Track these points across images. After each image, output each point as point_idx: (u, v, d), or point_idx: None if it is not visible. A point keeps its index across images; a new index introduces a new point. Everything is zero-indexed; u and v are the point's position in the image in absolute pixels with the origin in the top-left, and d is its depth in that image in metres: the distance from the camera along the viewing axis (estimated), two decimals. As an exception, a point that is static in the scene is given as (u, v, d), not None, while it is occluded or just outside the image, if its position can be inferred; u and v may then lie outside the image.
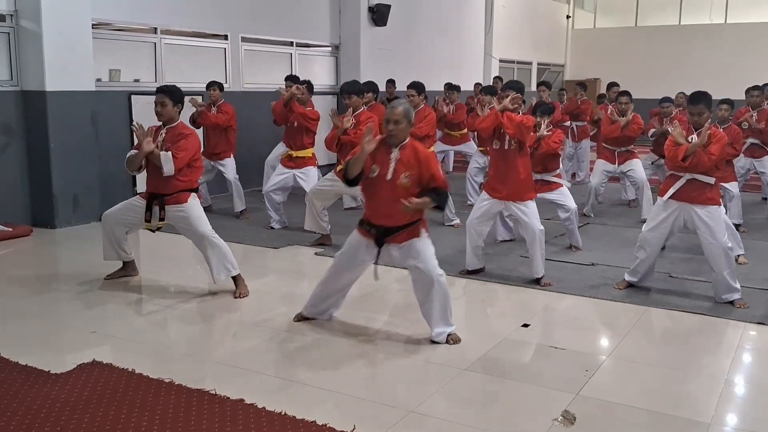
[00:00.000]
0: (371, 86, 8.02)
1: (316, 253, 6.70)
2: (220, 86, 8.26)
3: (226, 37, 10.11)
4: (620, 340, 4.59)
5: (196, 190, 5.36)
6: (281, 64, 11.10)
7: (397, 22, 13.01)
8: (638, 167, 8.17)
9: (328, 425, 3.24)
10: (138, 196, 5.44)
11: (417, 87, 7.61)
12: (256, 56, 10.65)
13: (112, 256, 5.48)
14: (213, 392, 3.59)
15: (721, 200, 5.36)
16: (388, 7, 12.58)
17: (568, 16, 22.58)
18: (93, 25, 7.88)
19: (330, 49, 12.42)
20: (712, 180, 5.14)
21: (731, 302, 5.18)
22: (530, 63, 20.26)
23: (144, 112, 8.69)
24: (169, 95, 5.17)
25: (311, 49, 11.96)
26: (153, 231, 5.34)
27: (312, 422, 3.26)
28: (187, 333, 4.71)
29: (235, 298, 5.26)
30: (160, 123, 5.25)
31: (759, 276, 5.98)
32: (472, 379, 3.94)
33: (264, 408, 3.40)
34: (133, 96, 8.66)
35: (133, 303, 5.20)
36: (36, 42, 7.24)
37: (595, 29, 23.13)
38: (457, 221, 7.79)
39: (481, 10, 17.21)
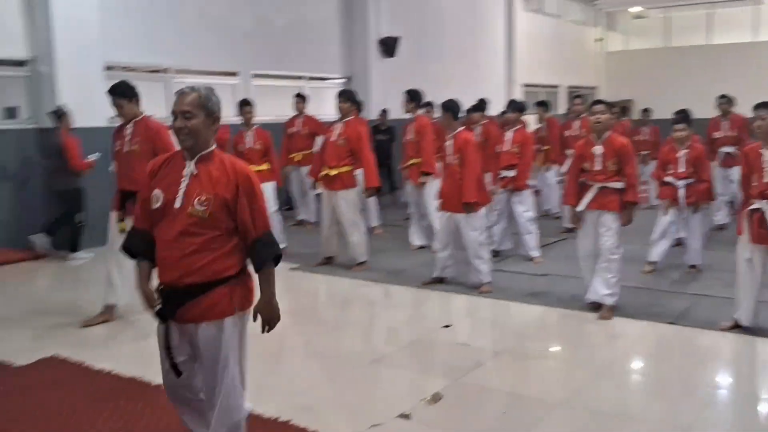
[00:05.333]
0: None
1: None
2: None
3: (236, 74, 10.94)
4: (524, 338, 5.01)
5: None
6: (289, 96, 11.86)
7: (408, 53, 13.64)
8: None
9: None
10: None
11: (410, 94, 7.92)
12: (267, 90, 11.42)
13: None
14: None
15: None
16: (397, 39, 13.25)
17: (599, 39, 22.80)
18: (107, 66, 8.78)
19: (342, 81, 13.15)
20: None
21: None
22: (557, 86, 20.54)
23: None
24: (121, 95, 5.12)
25: (322, 81, 12.70)
26: (123, 231, 5.05)
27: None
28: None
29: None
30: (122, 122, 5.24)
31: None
32: (368, 367, 4.45)
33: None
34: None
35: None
36: (51, 84, 8.17)
37: (628, 51, 23.23)
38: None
39: (501, 36, 17.71)
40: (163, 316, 2.76)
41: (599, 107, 5.34)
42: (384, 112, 12.23)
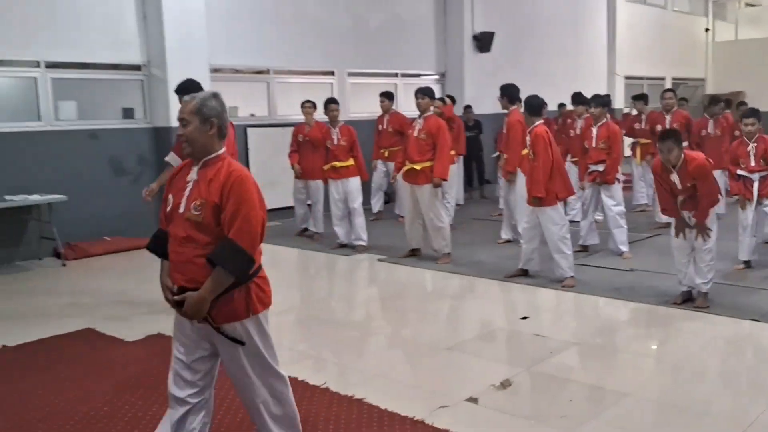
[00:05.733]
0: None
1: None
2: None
3: (332, 73, 11.38)
4: (601, 331, 5.07)
5: None
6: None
7: (503, 47, 13.66)
8: None
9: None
10: None
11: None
12: (362, 88, 11.79)
13: None
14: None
15: None
16: (492, 34, 13.30)
17: (707, 29, 21.83)
18: (213, 69, 9.40)
19: (436, 77, 13.36)
20: None
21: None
22: (662, 78, 19.86)
23: (258, 142, 10.17)
24: (186, 93, 5.28)
25: (416, 78, 12.95)
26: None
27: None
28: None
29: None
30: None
31: None
32: (444, 354, 4.67)
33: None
34: (248, 128, 10.09)
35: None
36: (163, 86, 8.85)
37: (738, 41, 22.11)
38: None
39: (602, 28, 17.35)
40: (180, 304, 2.77)
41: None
42: (468, 108, 12.31)
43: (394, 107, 9.93)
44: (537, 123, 6.30)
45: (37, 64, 8.17)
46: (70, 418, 3.77)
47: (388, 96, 9.68)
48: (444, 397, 3.91)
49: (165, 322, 5.40)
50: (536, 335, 5.00)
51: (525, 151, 6.99)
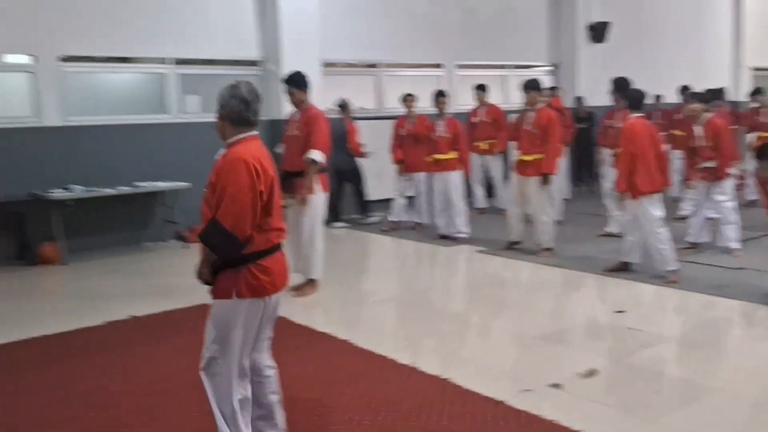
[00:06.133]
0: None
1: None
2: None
3: (441, 66, 11.54)
4: (697, 327, 4.96)
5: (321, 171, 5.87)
6: (493, 86, 12.17)
7: (619, 38, 13.29)
8: None
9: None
10: None
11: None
12: (470, 80, 11.86)
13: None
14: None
15: None
16: (607, 24, 12.98)
17: None
18: (324, 64, 9.81)
19: (548, 68, 13.20)
20: None
21: None
22: (797, 68, 18.54)
23: (366, 133, 10.47)
24: (293, 83, 5.83)
25: (527, 70, 12.85)
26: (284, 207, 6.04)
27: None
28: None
29: (294, 296, 5.88)
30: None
31: None
32: (533, 343, 4.76)
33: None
34: (357, 121, 10.43)
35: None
36: (277, 81, 9.31)
37: None
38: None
39: (727, 17, 16.45)
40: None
41: None
42: (579, 99, 12.09)
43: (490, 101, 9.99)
44: (633, 116, 6.21)
45: (165, 61, 8.86)
46: (181, 384, 4.17)
47: (483, 89, 9.73)
48: (528, 382, 4.01)
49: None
50: (630, 329, 4.96)
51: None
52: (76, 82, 8.30)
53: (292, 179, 5.87)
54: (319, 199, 6.02)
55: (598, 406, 3.71)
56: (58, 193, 7.61)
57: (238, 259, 2.87)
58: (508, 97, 12.29)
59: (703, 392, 3.88)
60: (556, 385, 3.95)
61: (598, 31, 13.02)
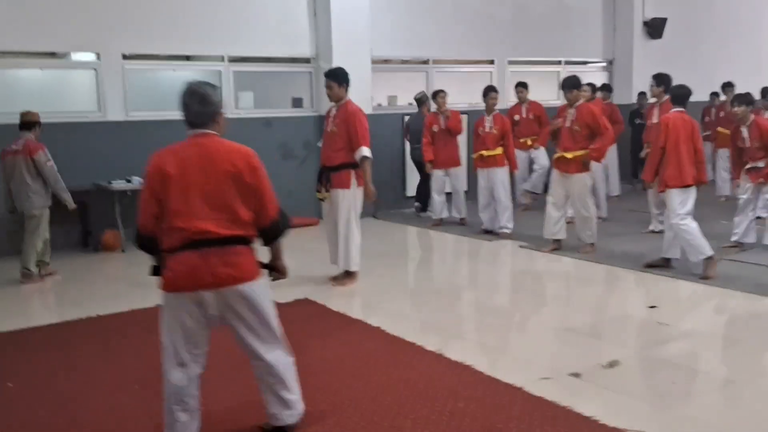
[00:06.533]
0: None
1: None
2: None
3: (492, 62, 11.60)
4: (727, 325, 4.97)
5: (355, 166, 6.01)
6: (547, 82, 12.16)
7: (676, 34, 13.07)
8: None
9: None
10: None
11: None
12: (522, 76, 11.87)
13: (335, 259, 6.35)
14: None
15: None
16: (664, 20, 12.78)
17: None
18: (374, 61, 10.02)
19: (603, 64, 13.09)
20: None
21: None
22: None
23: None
24: (333, 78, 6.01)
25: (582, 66, 12.77)
26: (322, 200, 6.26)
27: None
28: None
29: (333, 286, 6.20)
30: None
31: None
32: (562, 334, 4.87)
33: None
34: (406, 116, 10.61)
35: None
36: (326, 77, 9.60)
37: None
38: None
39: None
40: None
41: None
42: (642, 95, 11.94)
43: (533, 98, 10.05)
44: (673, 110, 6.22)
45: (221, 59, 9.24)
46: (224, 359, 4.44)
47: (524, 86, 9.75)
48: (549, 371, 4.14)
49: (311, 289, 6.08)
50: (660, 323, 5.01)
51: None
52: (137, 79, 8.75)
53: (329, 173, 6.10)
54: (354, 193, 6.16)
55: (612, 395, 3.81)
56: (119, 184, 8.06)
57: (156, 254, 3.17)
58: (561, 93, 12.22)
59: (721, 384, 3.93)
60: (575, 374, 4.06)
61: (654, 28, 12.83)
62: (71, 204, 6.99)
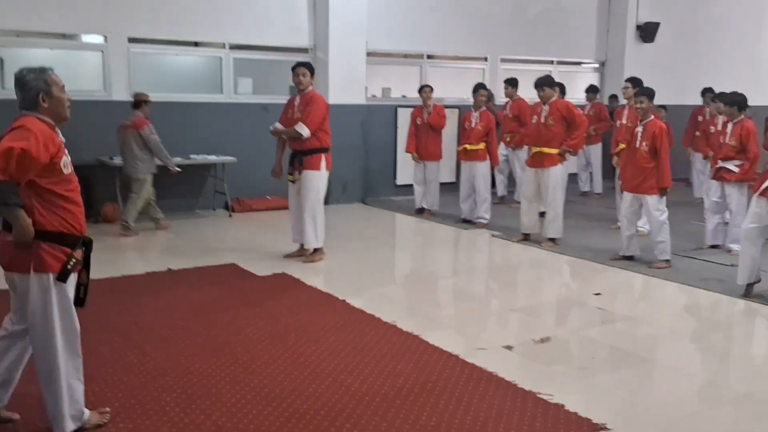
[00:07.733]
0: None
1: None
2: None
3: (485, 59, 12.04)
4: (661, 312, 5.46)
5: (326, 150, 6.71)
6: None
7: (669, 38, 13.43)
8: None
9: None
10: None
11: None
12: (514, 74, 12.28)
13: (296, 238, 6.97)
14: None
15: None
16: (657, 24, 13.15)
17: None
18: (369, 53, 10.47)
19: (595, 65, 13.49)
20: None
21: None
22: None
23: (407, 122, 11.12)
24: (309, 67, 6.59)
25: (574, 66, 13.18)
26: (292, 182, 6.77)
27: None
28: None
29: (304, 262, 6.70)
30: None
31: None
32: (507, 314, 5.37)
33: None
34: (399, 108, 11.06)
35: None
36: (324, 67, 10.07)
37: None
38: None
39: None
40: None
41: None
42: (613, 97, 12.27)
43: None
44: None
45: (223, 46, 9.73)
46: (212, 322, 4.97)
47: (512, 83, 10.13)
48: (487, 343, 4.64)
49: (290, 266, 6.60)
50: (599, 308, 5.50)
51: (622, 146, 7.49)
52: (142, 62, 9.26)
53: (302, 157, 6.66)
54: (321, 175, 6.74)
55: (536, 365, 4.32)
56: (121, 161, 8.57)
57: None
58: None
59: (635, 361, 4.42)
60: (508, 347, 4.57)
61: (647, 32, 13.21)
62: (174, 168, 8.19)
